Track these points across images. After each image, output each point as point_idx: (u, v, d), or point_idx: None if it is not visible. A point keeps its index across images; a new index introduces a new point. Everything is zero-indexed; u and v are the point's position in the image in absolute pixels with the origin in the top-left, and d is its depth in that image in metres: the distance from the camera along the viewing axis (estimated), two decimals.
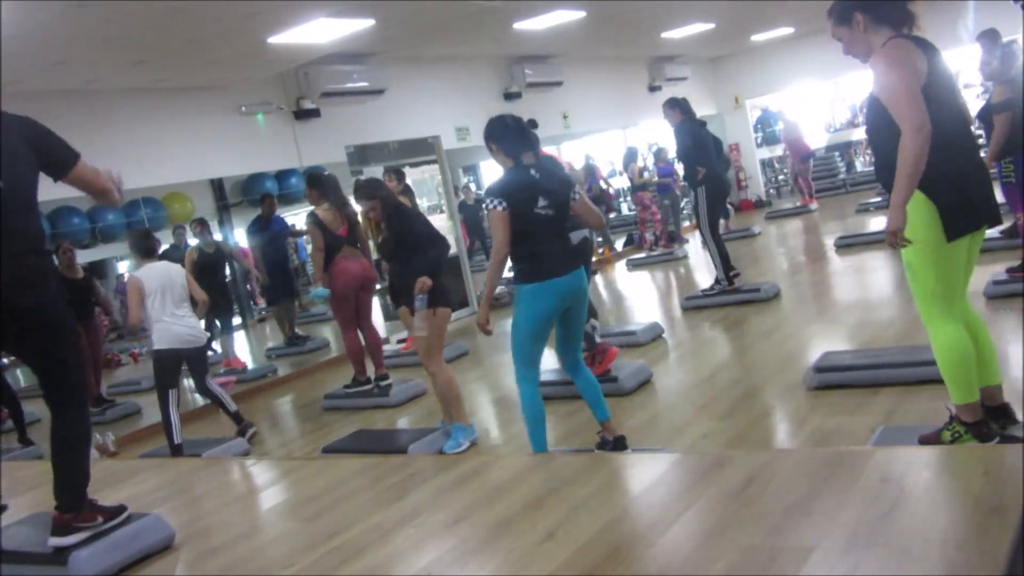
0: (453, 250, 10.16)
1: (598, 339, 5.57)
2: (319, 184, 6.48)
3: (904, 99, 2.87)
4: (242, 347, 9.97)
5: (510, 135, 3.90)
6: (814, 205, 13.49)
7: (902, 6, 3.06)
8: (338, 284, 6.30)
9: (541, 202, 3.75)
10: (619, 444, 4.04)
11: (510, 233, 3.72)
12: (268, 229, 9.16)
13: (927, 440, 3.23)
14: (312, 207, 6.48)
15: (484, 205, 3.80)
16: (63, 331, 3.10)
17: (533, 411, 3.89)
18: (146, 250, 5.86)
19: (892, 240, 2.95)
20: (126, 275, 5.77)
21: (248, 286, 10.60)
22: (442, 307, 4.95)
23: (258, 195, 9.65)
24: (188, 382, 6.70)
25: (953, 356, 3.06)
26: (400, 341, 8.38)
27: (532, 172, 3.81)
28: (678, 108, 7.54)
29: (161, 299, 5.64)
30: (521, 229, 3.73)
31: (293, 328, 9.50)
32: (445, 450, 4.92)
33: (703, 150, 7.53)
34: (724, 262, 7.55)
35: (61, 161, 3.03)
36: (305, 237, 9.79)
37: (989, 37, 6.07)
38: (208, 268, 8.34)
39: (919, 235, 2.97)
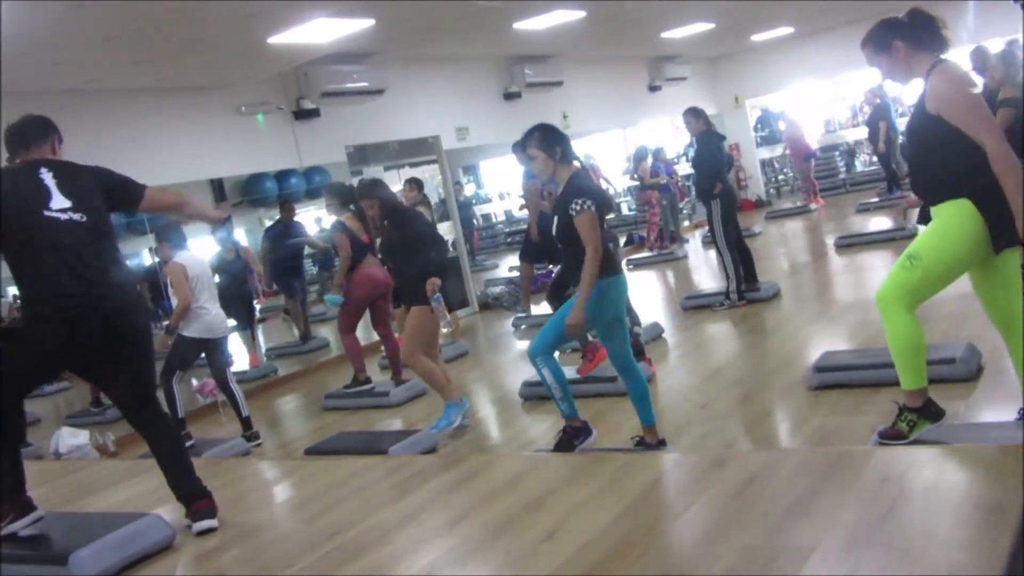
0: (452, 252, 10.20)
1: (591, 337, 5.61)
2: (339, 193, 6.58)
3: (983, 116, 3.01)
4: (241, 347, 9.96)
5: (563, 140, 4.00)
6: (815, 205, 13.48)
7: (938, 32, 3.16)
8: (362, 290, 6.38)
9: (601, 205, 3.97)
10: (661, 446, 4.09)
11: (597, 233, 3.84)
12: (287, 234, 9.22)
13: (887, 435, 3.35)
14: (335, 216, 6.55)
15: (572, 207, 3.82)
16: (152, 351, 3.54)
17: (561, 380, 4.05)
18: (177, 240, 5.95)
19: None
20: (170, 264, 5.85)
21: (247, 285, 10.60)
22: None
23: (258, 195, 9.66)
24: (193, 381, 6.69)
25: (909, 343, 3.20)
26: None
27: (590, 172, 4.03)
28: (701, 119, 7.64)
29: (198, 287, 5.75)
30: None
31: (308, 328, 9.57)
32: (438, 428, 5.04)
33: (720, 164, 7.65)
34: (739, 275, 7.39)
35: (132, 196, 3.44)
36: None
37: (980, 55, 6.08)
38: (228, 274, 8.38)
39: (959, 242, 3.06)
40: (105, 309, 3.16)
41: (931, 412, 3.28)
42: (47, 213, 3.14)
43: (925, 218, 3.22)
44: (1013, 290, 3.21)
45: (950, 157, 3.04)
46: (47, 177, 3.23)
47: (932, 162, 3.12)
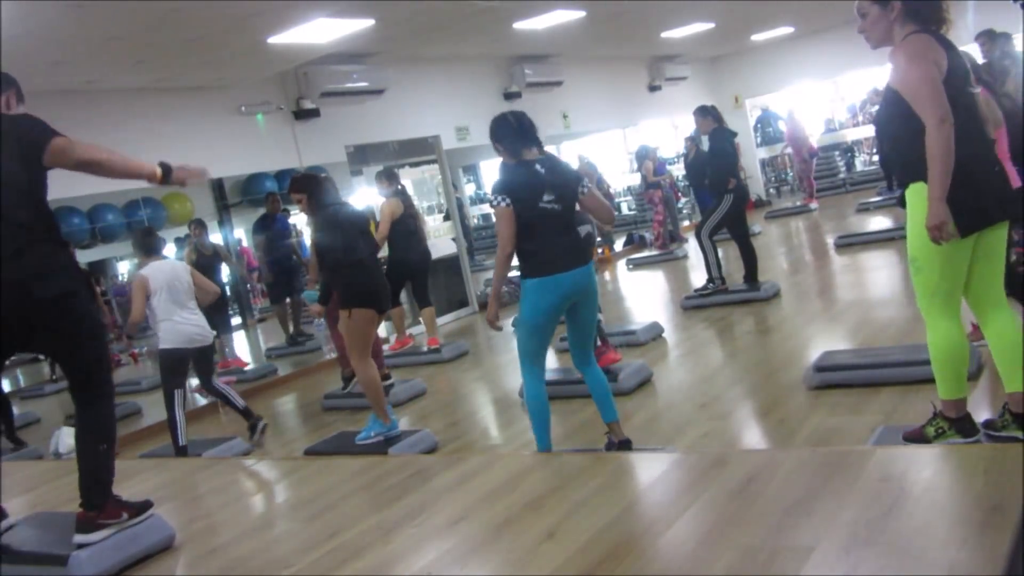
0: (452, 251, 10.19)
1: (598, 341, 5.60)
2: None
3: (927, 93, 2.88)
4: (242, 347, 9.98)
5: (511, 132, 3.87)
6: (814, 205, 13.50)
7: (939, 7, 3.04)
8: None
9: (547, 196, 3.74)
10: (624, 447, 4.01)
11: (514, 229, 3.72)
12: (272, 227, 9.15)
13: (911, 436, 3.26)
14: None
15: (489, 203, 3.83)
16: (86, 322, 3.05)
17: (537, 407, 3.88)
18: (149, 248, 5.83)
19: (936, 235, 2.90)
20: (133, 275, 5.72)
21: (248, 286, 10.60)
22: (360, 309, 4.96)
23: (258, 195, 9.65)
24: (191, 382, 6.69)
25: (947, 352, 3.08)
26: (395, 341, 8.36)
27: (537, 167, 3.79)
28: (710, 116, 7.71)
29: (168, 297, 5.59)
30: (526, 224, 3.72)
31: (298, 327, 9.50)
32: (356, 440, 5.02)
33: (734, 160, 7.74)
34: (717, 260, 7.65)
35: (34, 149, 2.91)
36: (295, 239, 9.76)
37: (988, 37, 6.06)
38: (204, 270, 8.33)
39: (926, 231, 2.94)
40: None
41: (965, 428, 3.15)
42: None
43: (902, 201, 3.12)
44: (991, 270, 3.12)
45: (912, 136, 2.91)
46: None
47: (897, 141, 3.01)
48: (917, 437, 3.23)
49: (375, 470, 3.89)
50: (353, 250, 5.02)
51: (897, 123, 3.00)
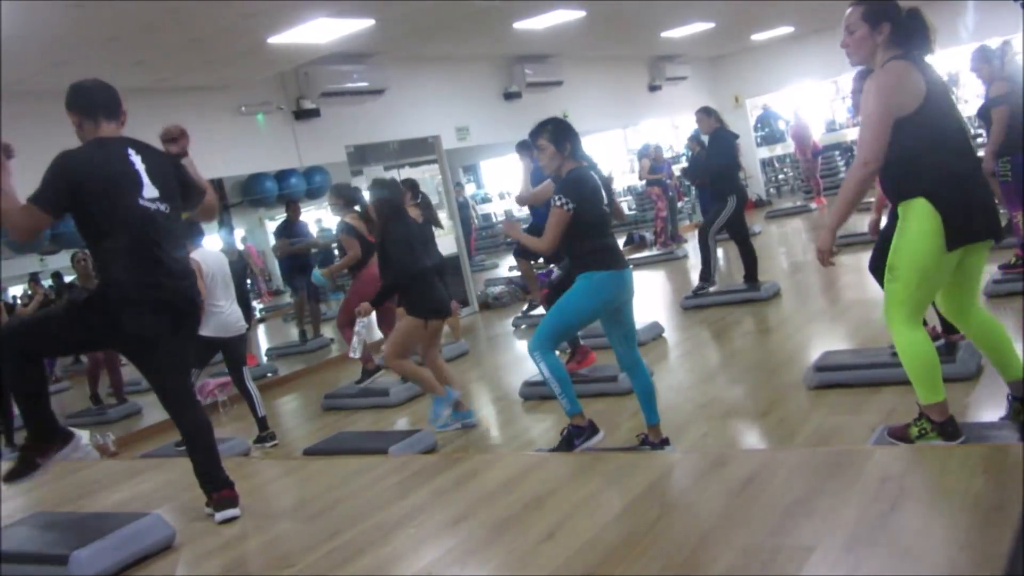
0: (453, 251, 10.20)
1: (581, 341, 5.68)
2: (343, 193, 6.68)
3: (870, 134, 3.01)
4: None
5: (574, 136, 4.01)
6: (815, 205, 13.49)
7: (927, 34, 3.10)
8: (368, 289, 6.26)
9: (604, 199, 3.99)
10: (664, 445, 4.09)
11: (561, 234, 3.87)
12: (295, 234, 9.38)
13: (895, 434, 3.31)
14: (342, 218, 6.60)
15: (553, 199, 3.88)
16: (196, 332, 3.63)
17: (563, 377, 3.98)
18: (196, 235, 5.87)
19: (822, 257, 3.15)
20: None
21: (249, 283, 10.65)
22: (434, 320, 5.19)
23: (258, 195, 9.71)
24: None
25: (919, 359, 3.13)
26: None
27: (593, 172, 4.00)
28: (713, 117, 7.76)
29: (216, 284, 5.65)
30: (594, 222, 3.90)
31: (317, 326, 9.67)
32: (436, 428, 5.19)
33: (735, 161, 7.83)
34: (715, 262, 7.74)
35: (191, 200, 3.50)
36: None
37: (981, 58, 6.09)
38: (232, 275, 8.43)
39: (919, 242, 3.02)
40: (179, 300, 3.27)
41: (947, 431, 3.18)
42: (141, 203, 3.19)
43: (894, 217, 3.21)
44: (971, 284, 3.24)
45: (905, 156, 3.01)
46: (136, 160, 3.29)
47: (890, 162, 3.06)
48: (901, 435, 3.28)
49: (375, 470, 3.89)
50: (429, 259, 5.23)
51: (892, 146, 3.03)
